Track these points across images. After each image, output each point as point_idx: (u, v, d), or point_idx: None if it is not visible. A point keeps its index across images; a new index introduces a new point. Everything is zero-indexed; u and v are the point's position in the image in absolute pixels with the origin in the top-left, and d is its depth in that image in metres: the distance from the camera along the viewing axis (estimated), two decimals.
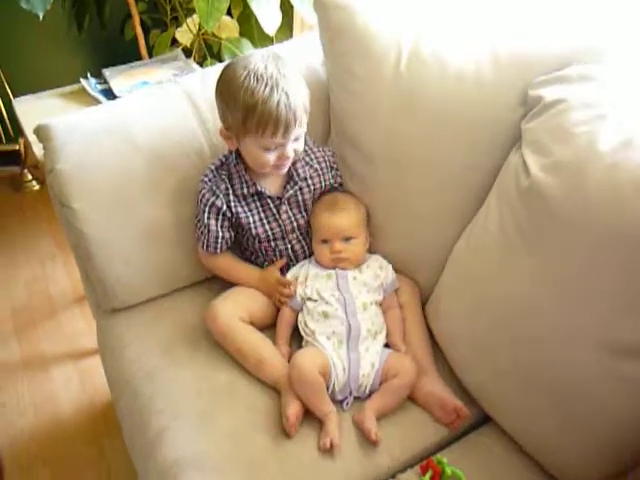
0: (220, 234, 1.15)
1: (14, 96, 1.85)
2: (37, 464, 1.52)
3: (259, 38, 1.92)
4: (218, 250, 1.17)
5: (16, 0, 1.67)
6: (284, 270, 1.20)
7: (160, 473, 0.97)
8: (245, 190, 1.14)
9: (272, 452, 0.98)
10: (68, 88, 1.75)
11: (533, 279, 0.92)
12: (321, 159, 1.21)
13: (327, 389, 1.02)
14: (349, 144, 1.21)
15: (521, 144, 1.02)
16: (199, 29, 1.98)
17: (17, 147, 2.43)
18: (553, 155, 0.93)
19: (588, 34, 1.07)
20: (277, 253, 1.19)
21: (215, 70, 1.21)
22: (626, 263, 0.81)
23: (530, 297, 0.92)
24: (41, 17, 1.70)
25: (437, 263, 1.15)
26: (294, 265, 1.20)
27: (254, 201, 1.16)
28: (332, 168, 1.23)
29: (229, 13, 1.94)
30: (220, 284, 1.22)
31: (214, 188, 1.14)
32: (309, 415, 1.01)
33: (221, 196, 1.13)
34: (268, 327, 1.15)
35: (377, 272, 1.15)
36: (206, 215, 1.14)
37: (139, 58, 2.13)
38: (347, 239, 1.14)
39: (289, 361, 1.06)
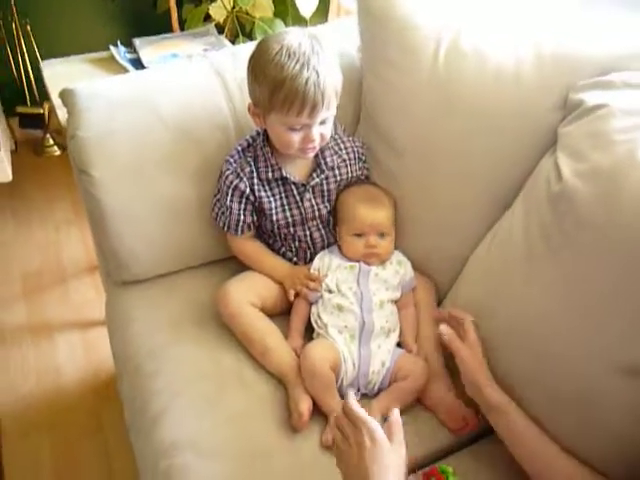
0: (242, 217, 1.13)
1: (42, 59, 1.83)
2: (35, 431, 1.52)
3: (293, 20, 1.89)
4: (239, 233, 1.15)
5: None
6: (305, 257, 1.18)
7: (157, 454, 0.96)
8: (270, 174, 1.12)
9: (273, 442, 0.96)
10: (97, 54, 1.74)
11: (552, 288, 0.89)
12: (350, 149, 1.18)
13: (336, 383, 1.00)
14: (379, 135, 1.18)
15: (556, 148, 0.99)
16: (233, 6, 1.95)
17: (41, 111, 2.42)
18: (589, 161, 0.90)
19: (634, 41, 1.03)
20: (295, 239, 1.17)
21: (246, 48, 1.18)
22: None
23: (546, 305, 0.89)
24: None
25: (459, 262, 1.12)
26: (311, 252, 1.17)
27: (277, 186, 1.13)
28: (360, 160, 1.19)
29: None
30: (236, 265, 1.19)
31: (238, 170, 1.11)
32: (314, 408, 0.98)
33: (245, 179, 1.11)
34: (278, 315, 1.13)
35: (397, 269, 1.13)
36: (229, 198, 1.12)
37: (170, 31, 2.11)
38: (382, 235, 1.12)
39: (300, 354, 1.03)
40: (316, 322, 1.09)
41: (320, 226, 1.17)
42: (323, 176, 1.14)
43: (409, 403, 1.02)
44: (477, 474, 0.93)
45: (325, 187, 1.15)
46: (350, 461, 0.74)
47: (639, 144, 0.86)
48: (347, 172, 1.17)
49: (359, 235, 1.12)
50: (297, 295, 1.12)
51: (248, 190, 1.11)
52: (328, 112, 1.04)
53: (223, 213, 1.15)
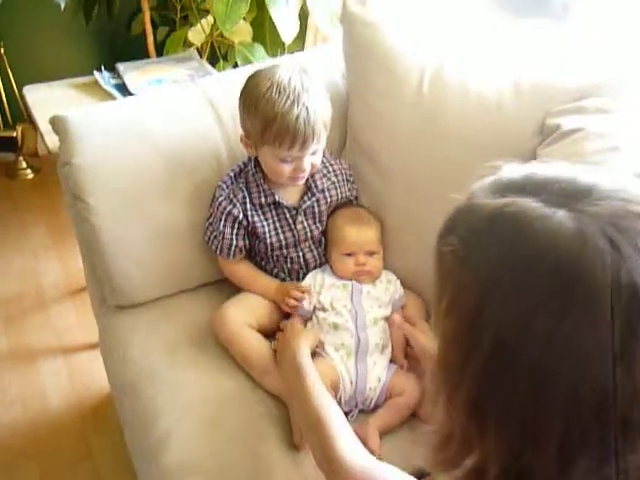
0: (235, 242, 1.16)
1: (17, 84, 1.83)
2: (23, 459, 1.50)
3: (272, 44, 1.93)
4: (231, 257, 1.17)
5: None
6: (297, 277, 1.21)
7: (162, 477, 0.97)
8: (263, 199, 1.15)
9: (277, 461, 0.97)
10: (81, 79, 1.74)
11: None
12: (338, 172, 1.22)
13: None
14: (365, 158, 1.22)
15: None
16: (211, 30, 1.98)
17: (14, 134, 2.40)
18: None
19: (606, 69, 1.09)
20: (288, 261, 1.20)
21: (233, 75, 1.22)
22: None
23: None
24: (62, 7, 1.69)
25: None
26: (303, 272, 1.20)
27: (270, 210, 1.16)
28: (348, 181, 1.24)
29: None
30: (230, 287, 1.21)
31: (231, 196, 1.14)
32: None
33: (238, 205, 1.14)
34: (274, 334, 1.15)
35: (387, 286, 1.17)
36: (222, 223, 1.14)
37: (146, 54, 2.12)
38: (371, 253, 1.16)
39: None
40: None
41: (312, 247, 1.20)
42: (314, 199, 1.18)
43: (405, 417, 1.04)
44: None
45: (316, 209, 1.19)
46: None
47: (611, 165, 0.92)
48: (337, 194, 1.21)
49: (349, 254, 1.16)
50: (289, 315, 1.15)
51: (241, 216, 1.14)
52: (318, 145, 1.08)
53: (216, 237, 1.17)
